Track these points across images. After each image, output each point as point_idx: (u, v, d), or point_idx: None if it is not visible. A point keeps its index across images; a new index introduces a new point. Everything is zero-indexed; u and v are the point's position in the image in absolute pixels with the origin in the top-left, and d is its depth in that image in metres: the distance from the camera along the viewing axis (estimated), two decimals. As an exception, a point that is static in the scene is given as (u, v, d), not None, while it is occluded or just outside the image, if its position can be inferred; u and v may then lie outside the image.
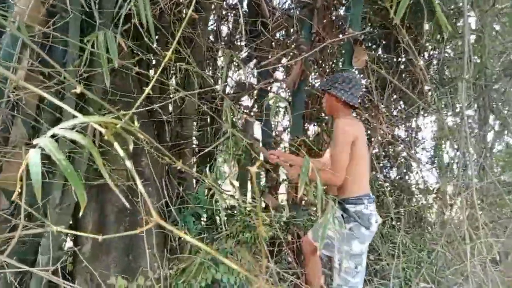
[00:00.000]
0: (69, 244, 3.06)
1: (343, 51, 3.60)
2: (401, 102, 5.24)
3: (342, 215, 2.35)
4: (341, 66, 3.89)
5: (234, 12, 4.03)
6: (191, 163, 3.42)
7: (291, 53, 3.80)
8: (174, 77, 3.43)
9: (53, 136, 0.68)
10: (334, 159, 2.27)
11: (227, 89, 4.33)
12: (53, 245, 2.35)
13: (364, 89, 4.78)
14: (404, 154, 5.02)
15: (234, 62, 4.06)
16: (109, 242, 2.62)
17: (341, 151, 2.24)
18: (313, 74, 4.45)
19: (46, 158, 2.51)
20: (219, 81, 3.94)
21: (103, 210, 2.67)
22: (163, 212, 2.75)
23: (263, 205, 3.42)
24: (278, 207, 3.34)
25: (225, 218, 2.78)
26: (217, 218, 2.87)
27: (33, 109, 2.41)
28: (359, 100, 2.46)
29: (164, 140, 3.28)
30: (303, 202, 3.41)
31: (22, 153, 2.28)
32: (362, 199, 2.29)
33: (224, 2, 4.19)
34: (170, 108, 3.41)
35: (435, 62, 4.84)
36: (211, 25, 4.23)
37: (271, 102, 1.90)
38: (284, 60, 4.55)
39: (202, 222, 2.85)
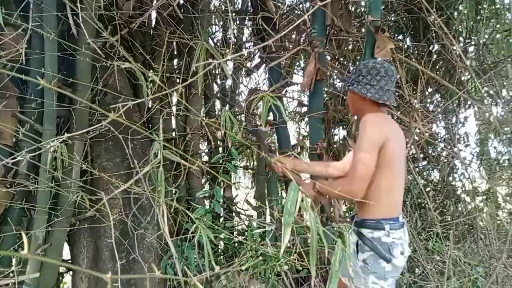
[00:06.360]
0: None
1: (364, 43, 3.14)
2: (437, 96, 4.67)
3: (357, 242, 1.84)
4: (361, 59, 3.43)
5: (236, 13, 3.68)
6: (201, 182, 3.07)
7: (305, 51, 3.39)
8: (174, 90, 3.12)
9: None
10: (354, 163, 1.71)
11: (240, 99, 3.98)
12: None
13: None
14: (446, 153, 4.43)
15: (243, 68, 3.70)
16: (105, 282, 2.29)
17: (365, 155, 1.67)
18: (334, 72, 4.01)
19: (26, 194, 2.25)
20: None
21: (97, 245, 2.37)
22: (161, 244, 2.41)
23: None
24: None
25: (235, 246, 2.40)
26: (227, 247, 2.49)
27: (9, 139, 2.15)
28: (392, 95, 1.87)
29: (167, 159, 2.95)
30: (330, 220, 2.96)
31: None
32: (383, 223, 1.75)
33: (226, 5, 3.86)
34: (173, 124, 3.09)
35: (472, 47, 4.26)
36: (216, 31, 3.91)
37: (262, 103, 1.51)
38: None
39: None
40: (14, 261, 2.16)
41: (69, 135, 1.68)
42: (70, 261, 2.64)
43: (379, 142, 1.69)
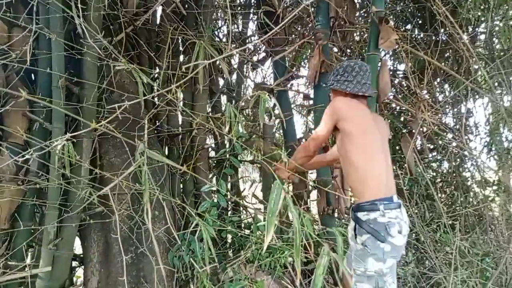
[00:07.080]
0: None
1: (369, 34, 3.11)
2: (446, 86, 4.61)
3: (354, 227, 1.92)
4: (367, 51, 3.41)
5: (239, 7, 3.68)
6: (208, 177, 3.11)
7: (309, 44, 3.39)
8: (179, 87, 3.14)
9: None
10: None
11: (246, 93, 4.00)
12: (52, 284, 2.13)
13: (402, 75, 4.24)
14: (455, 144, 4.38)
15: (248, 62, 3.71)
16: (115, 275, 2.36)
17: (321, 124, 2.03)
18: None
19: (37, 191, 2.31)
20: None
21: (107, 240, 2.43)
22: (169, 238, 2.46)
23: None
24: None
25: (242, 239, 2.44)
26: (234, 240, 2.53)
27: (19, 138, 2.20)
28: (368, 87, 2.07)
29: (176, 155, 3.00)
30: (336, 212, 2.98)
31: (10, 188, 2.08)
32: (377, 204, 1.82)
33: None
34: (180, 120, 3.13)
35: (481, 35, 4.19)
36: (221, 26, 3.92)
37: (261, 100, 1.59)
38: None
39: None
40: (28, 255, 2.23)
41: (76, 133, 1.73)
42: (82, 255, 2.72)
43: (336, 114, 1.95)
